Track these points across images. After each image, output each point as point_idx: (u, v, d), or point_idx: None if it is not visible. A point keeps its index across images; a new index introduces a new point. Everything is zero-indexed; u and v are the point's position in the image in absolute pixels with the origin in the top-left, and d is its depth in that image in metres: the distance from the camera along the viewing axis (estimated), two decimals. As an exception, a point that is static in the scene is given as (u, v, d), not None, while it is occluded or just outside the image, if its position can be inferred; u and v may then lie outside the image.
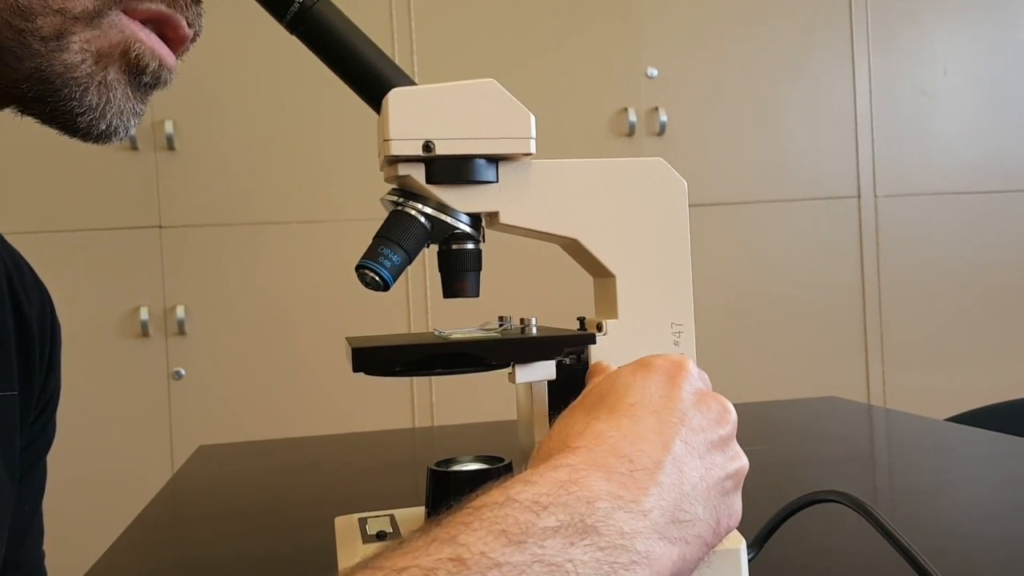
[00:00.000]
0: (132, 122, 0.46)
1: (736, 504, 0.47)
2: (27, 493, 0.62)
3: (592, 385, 0.52)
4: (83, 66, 0.42)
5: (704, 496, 0.45)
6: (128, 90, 0.45)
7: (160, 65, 0.46)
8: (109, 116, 0.44)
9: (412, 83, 0.56)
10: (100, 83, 0.43)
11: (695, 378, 0.50)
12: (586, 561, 0.37)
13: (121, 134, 0.46)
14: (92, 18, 0.42)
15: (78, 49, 0.42)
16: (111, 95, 0.44)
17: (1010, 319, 2.41)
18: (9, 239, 0.63)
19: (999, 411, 1.42)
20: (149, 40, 0.45)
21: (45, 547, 0.66)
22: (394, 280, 0.54)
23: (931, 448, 1.12)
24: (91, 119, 0.44)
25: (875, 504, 0.56)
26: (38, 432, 0.64)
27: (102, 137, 0.45)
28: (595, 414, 0.47)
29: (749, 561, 0.56)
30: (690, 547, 0.43)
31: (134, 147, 2.04)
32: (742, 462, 0.48)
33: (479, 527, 0.36)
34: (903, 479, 1.00)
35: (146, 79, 0.45)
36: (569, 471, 0.41)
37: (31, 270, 0.63)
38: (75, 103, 0.43)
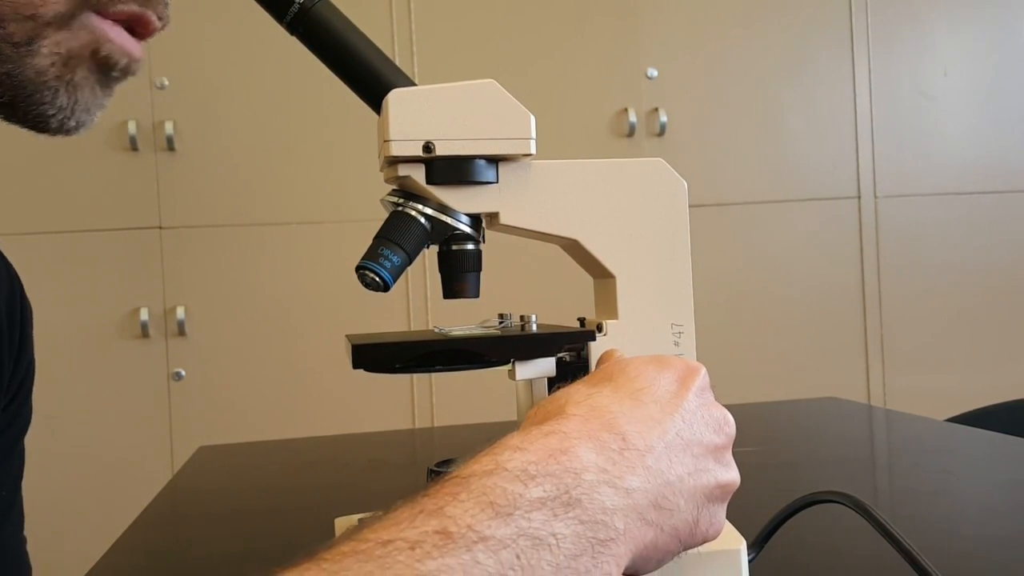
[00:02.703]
0: (97, 115, 0.47)
1: (720, 515, 0.47)
2: (4, 479, 0.62)
3: (603, 365, 0.52)
4: (52, 69, 0.43)
5: (689, 492, 0.45)
6: (96, 87, 0.46)
7: (130, 61, 0.46)
8: (77, 113, 0.45)
9: (412, 84, 0.56)
10: (69, 83, 0.44)
11: (705, 386, 0.50)
12: (567, 535, 0.37)
13: (87, 128, 0.46)
14: (63, 22, 0.42)
15: (47, 52, 0.42)
16: (79, 95, 0.44)
17: (1010, 320, 2.41)
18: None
19: (999, 412, 1.42)
20: (119, 39, 0.45)
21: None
22: (394, 281, 0.54)
23: (931, 449, 1.12)
24: (61, 119, 0.44)
25: (875, 505, 0.56)
26: (12, 417, 0.63)
27: (68, 133, 0.46)
28: (599, 389, 0.48)
29: (749, 562, 0.56)
30: (664, 535, 0.43)
31: (134, 147, 2.04)
32: (733, 475, 0.48)
33: (466, 498, 0.37)
34: (903, 480, 1.00)
35: (115, 74, 0.46)
36: (560, 439, 0.42)
37: None
38: (46, 106, 0.43)
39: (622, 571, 0.40)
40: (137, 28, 0.47)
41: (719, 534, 0.48)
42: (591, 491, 0.39)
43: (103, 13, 0.44)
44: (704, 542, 0.47)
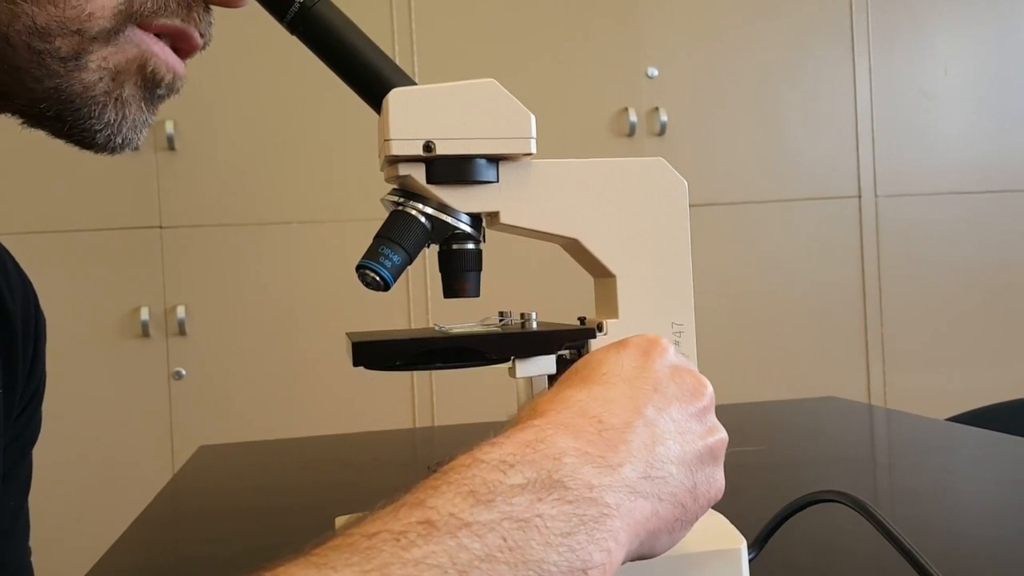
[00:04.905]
0: (144, 133, 0.47)
1: (717, 475, 0.47)
2: (11, 489, 0.62)
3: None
4: (101, 84, 0.43)
5: (679, 459, 0.45)
6: (142, 103, 0.46)
7: (174, 77, 0.47)
8: (124, 130, 0.45)
9: (412, 83, 0.56)
10: (117, 99, 0.44)
11: (670, 354, 0.51)
12: (554, 515, 0.37)
13: (134, 145, 0.46)
14: (109, 36, 0.42)
15: (96, 68, 0.42)
16: (127, 110, 0.45)
17: (1010, 319, 2.41)
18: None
19: (999, 411, 1.42)
20: (164, 54, 0.46)
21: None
22: (394, 280, 0.54)
23: (932, 448, 1.12)
24: (108, 135, 0.44)
25: (876, 504, 0.56)
26: (23, 427, 0.63)
27: (115, 150, 0.46)
28: (567, 385, 0.48)
29: (750, 561, 0.56)
30: (663, 504, 0.43)
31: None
32: (721, 435, 0.48)
33: (447, 490, 0.37)
34: (903, 479, 1.00)
35: (160, 91, 0.46)
36: (536, 431, 0.42)
37: (14, 263, 0.63)
38: (94, 121, 0.43)
39: (625, 546, 0.40)
40: (180, 44, 0.47)
41: (721, 493, 0.48)
42: (573, 472, 0.39)
43: (146, 27, 0.44)
44: (709, 504, 0.47)
